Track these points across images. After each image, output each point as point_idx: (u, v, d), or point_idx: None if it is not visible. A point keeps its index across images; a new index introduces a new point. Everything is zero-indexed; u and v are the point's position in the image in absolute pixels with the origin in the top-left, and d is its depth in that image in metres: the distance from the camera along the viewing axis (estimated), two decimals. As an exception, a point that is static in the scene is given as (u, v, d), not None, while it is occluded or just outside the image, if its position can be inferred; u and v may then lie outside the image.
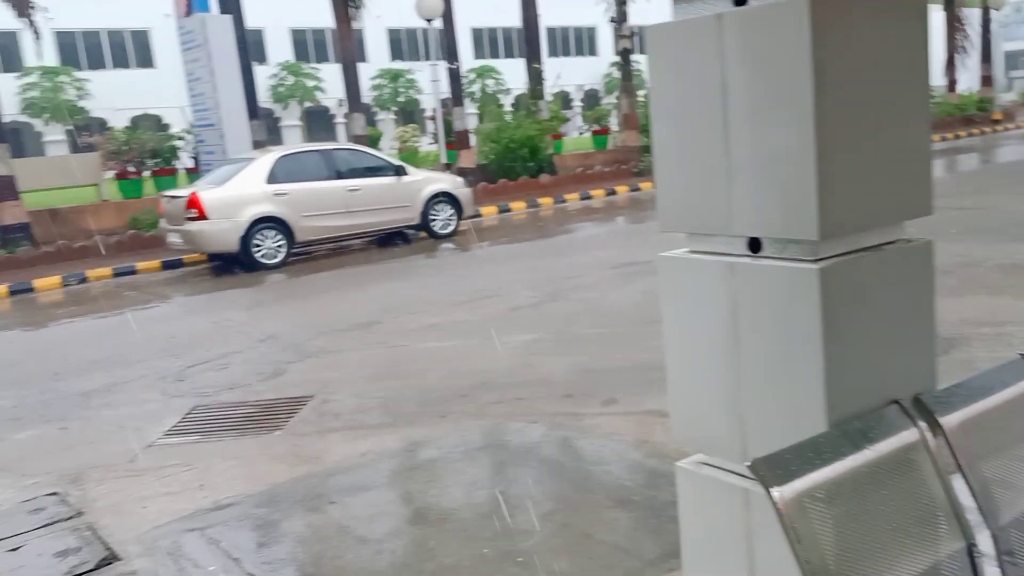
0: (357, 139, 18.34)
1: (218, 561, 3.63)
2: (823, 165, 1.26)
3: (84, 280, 12.50)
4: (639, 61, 26.84)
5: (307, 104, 42.25)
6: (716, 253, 1.47)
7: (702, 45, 1.34)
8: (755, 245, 1.41)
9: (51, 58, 34.61)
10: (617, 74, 39.69)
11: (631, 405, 5.15)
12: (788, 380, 1.43)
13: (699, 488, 1.68)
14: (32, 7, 15.78)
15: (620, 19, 21.59)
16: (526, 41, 21.79)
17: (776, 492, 1.31)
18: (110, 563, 3.72)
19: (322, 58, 42.27)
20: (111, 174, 17.19)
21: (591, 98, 45.67)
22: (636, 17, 24.45)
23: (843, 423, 1.43)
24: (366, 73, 28.84)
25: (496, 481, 4.29)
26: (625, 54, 21.88)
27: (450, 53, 19.85)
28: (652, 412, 4.95)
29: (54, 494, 4.59)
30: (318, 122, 44.00)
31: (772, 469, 1.33)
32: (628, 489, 3.98)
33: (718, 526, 1.66)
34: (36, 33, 16.10)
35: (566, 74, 30.06)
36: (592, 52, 50.02)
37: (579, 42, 49.88)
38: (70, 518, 4.27)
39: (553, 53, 38.45)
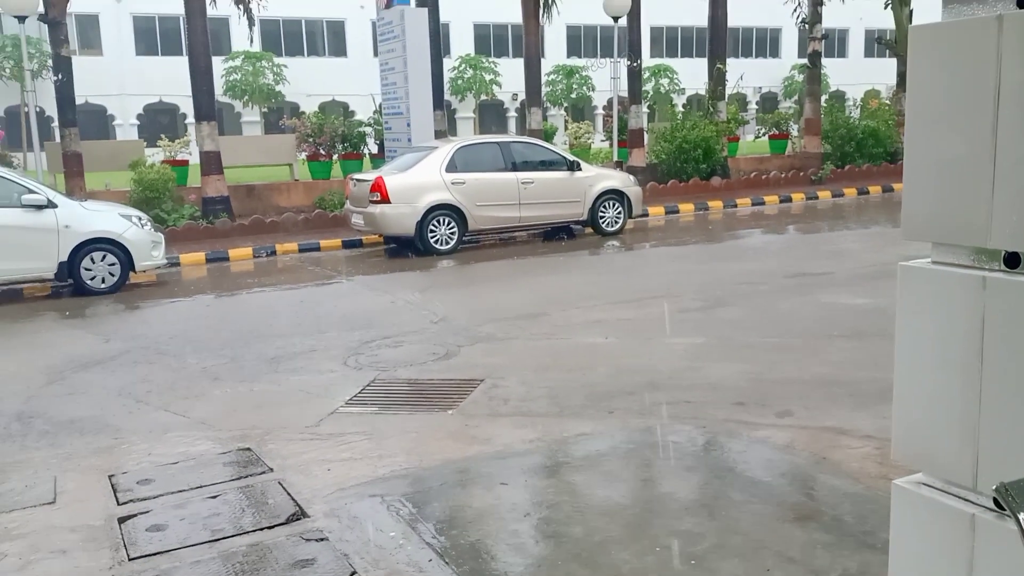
0: (533, 133, 18.61)
1: (398, 527, 3.80)
2: (1106, 179, 1.19)
3: (273, 253, 13.37)
4: (827, 65, 25.71)
5: (482, 97, 43.21)
6: (965, 266, 1.41)
7: (976, 47, 1.28)
8: (1013, 260, 1.34)
9: (255, 44, 37.07)
10: (799, 77, 38.27)
11: (808, 419, 4.98)
12: (1038, 405, 1.35)
13: (917, 509, 1.62)
14: (251, -4, 17.00)
15: (812, 21, 20.71)
16: (711, 41, 21.33)
17: (1024, 519, 1.25)
18: (298, 519, 3.97)
19: (501, 52, 43.11)
20: (303, 155, 18.28)
21: (768, 101, 44.24)
22: (829, 20, 23.43)
23: (1097, 456, 1.34)
24: (543, 69, 29.18)
25: (665, 482, 4.27)
26: (814, 56, 21.00)
27: (632, 51, 19.76)
28: (831, 429, 4.78)
29: (247, 449, 4.95)
30: (491, 115, 44.95)
31: (1021, 495, 1.27)
32: (805, 505, 3.86)
33: (935, 550, 1.59)
34: (250, 20, 17.28)
35: (744, 76, 29.22)
36: (774, 54, 48.40)
37: (760, 43, 48.37)
38: (261, 473, 4.59)
39: (733, 54, 37.48)
